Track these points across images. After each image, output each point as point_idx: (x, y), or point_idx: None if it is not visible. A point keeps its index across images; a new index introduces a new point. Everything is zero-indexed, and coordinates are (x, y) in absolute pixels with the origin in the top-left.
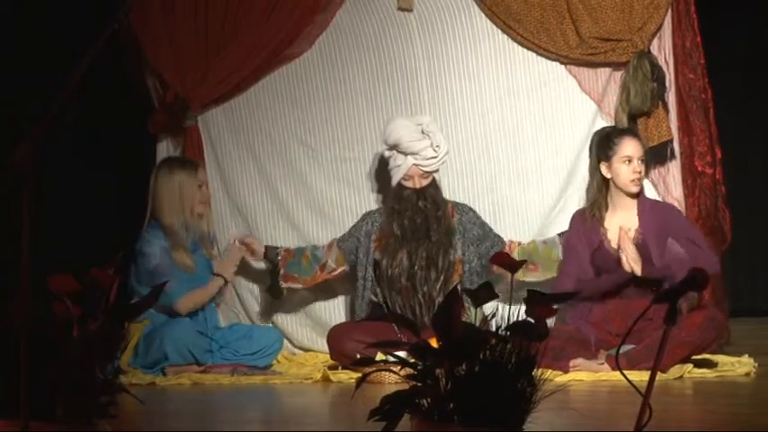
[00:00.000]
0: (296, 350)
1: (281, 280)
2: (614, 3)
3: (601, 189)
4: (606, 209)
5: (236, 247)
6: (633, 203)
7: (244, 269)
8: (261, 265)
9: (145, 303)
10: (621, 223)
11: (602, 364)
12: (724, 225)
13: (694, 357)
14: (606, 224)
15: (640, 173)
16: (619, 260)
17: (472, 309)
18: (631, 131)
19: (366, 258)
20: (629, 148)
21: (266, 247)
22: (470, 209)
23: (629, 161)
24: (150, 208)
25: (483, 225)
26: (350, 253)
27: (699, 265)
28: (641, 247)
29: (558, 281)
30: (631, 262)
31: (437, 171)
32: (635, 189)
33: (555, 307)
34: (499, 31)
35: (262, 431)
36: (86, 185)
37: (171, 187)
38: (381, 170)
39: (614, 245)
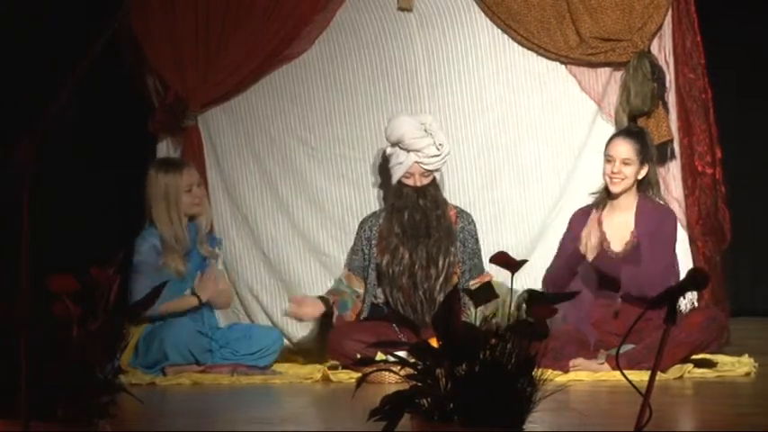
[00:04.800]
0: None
1: (335, 322)
2: (614, 2)
3: (606, 188)
4: (604, 208)
5: (215, 268)
6: (633, 205)
7: (243, 268)
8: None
9: (145, 303)
10: (620, 224)
11: (602, 363)
12: (724, 225)
13: (694, 357)
14: (605, 225)
15: (617, 173)
16: (619, 261)
17: (472, 309)
18: (629, 132)
19: (369, 263)
20: (613, 147)
21: (321, 299)
22: (473, 221)
23: (610, 161)
24: (147, 211)
25: (477, 242)
26: (363, 269)
27: (641, 282)
28: (636, 249)
29: (546, 274)
30: (588, 251)
31: (438, 171)
32: (613, 188)
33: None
34: (499, 30)
35: (262, 431)
36: (86, 185)
37: (157, 192)
38: (382, 168)
39: (613, 246)
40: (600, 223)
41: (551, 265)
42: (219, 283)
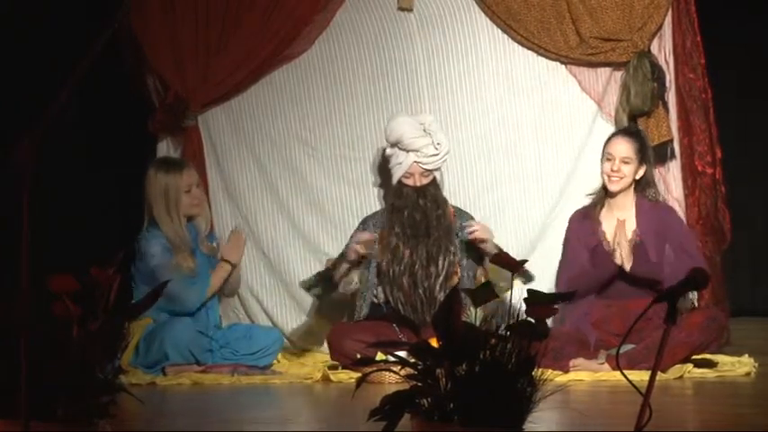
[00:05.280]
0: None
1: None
2: (614, 2)
3: (604, 188)
4: (602, 208)
5: (240, 232)
6: (631, 204)
7: (243, 268)
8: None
9: (145, 303)
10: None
11: (603, 363)
12: (724, 225)
13: (694, 357)
14: (604, 225)
15: (616, 171)
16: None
17: (472, 309)
18: (627, 132)
19: (369, 261)
20: (612, 146)
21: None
22: (471, 218)
23: (609, 159)
24: (146, 211)
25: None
26: (362, 266)
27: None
28: (639, 247)
29: (557, 282)
30: (624, 258)
31: (438, 170)
32: (612, 186)
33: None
34: (499, 30)
35: (261, 431)
36: (86, 185)
37: (157, 192)
38: (382, 169)
39: (613, 245)
40: (597, 221)
41: (565, 274)
42: (244, 245)
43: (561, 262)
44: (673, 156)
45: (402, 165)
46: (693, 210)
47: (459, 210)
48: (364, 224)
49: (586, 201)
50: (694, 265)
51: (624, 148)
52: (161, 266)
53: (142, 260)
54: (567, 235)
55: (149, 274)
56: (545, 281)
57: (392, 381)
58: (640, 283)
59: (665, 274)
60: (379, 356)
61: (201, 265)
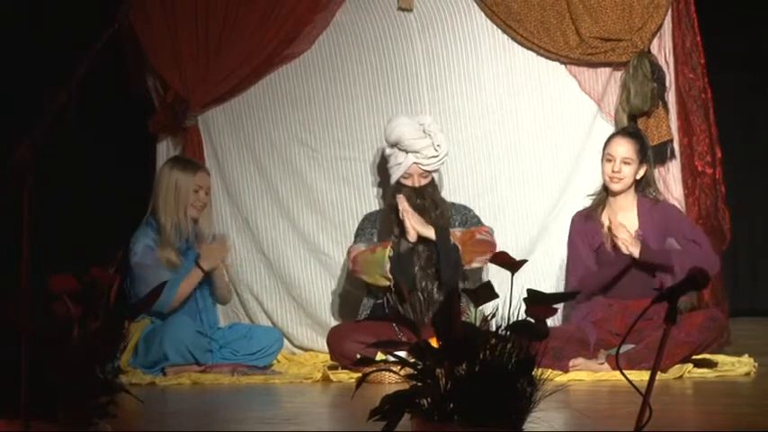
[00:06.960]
0: (296, 350)
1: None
2: (614, 3)
3: (605, 188)
4: (603, 209)
5: (225, 241)
6: (633, 204)
7: (243, 269)
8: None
9: (145, 303)
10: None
11: (603, 363)
12: (724, 225)
13: (694, 357)
14: (606, 226)
15: (617, 172)
16: (619, 260)
17: (472, 308)
18: (627, 132)
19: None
20: (613, 146)
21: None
22: (464, 211)
23: (610, 160)
24: (151, 203)
25: (471, 225)
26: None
27: (698, 263)
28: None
29: (566, 283)
30: (629, 246)
31: (436, 171)
32: (614, 187)
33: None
34: (499, 30)
35: (262, 431)
36: (87, 185)
37: (168, 184)
38: (382, 170)
39: (608, 243)
40: (599, 221)
41: (573, 275)
42: (224, 255)
43: (568, 264)
44: (673, 156)
45: (401, 165)
46: (693, 210)
47: (454, 204)
48: (372, 221)
49: (587, 201)
50: (703, 252)
51: (624, 148)
52: (138, 264)
53: (128, 256)
54: (570, 237)
55: (130, 270)
56: (545, 281)
57: (392, 381)
58: (652, 269)
59: (673, 265)
60: (379, 356)
61: (189, 264)
